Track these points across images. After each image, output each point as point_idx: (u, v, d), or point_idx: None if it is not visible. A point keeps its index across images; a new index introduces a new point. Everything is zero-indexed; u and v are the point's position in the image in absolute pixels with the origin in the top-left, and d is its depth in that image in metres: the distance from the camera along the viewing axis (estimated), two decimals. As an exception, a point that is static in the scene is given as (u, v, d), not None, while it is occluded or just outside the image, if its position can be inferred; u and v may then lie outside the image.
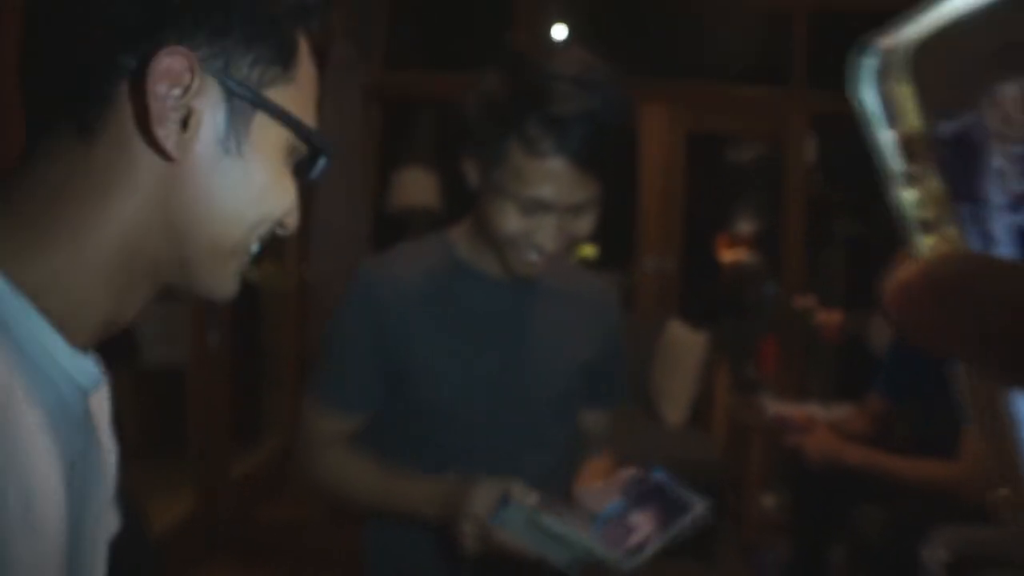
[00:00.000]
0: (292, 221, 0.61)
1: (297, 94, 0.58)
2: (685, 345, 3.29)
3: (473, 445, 1.12)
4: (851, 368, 3.23)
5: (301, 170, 0.61)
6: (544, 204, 0.98)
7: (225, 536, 2.93)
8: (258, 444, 3.63)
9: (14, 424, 0.47)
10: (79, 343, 0.53)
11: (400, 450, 1.14)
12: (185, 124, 0.52)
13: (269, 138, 0.56)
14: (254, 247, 0.59)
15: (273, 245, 0.63)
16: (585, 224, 1.03)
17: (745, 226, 6.86)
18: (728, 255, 7.06)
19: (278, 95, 0.56)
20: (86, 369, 0.54)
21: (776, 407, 3.35)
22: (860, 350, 2.81)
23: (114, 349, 0.57)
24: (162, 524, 2.57)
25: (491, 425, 1.12)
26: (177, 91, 0.51)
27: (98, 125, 0.51)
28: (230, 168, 0.54)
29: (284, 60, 0.57)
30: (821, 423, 2.40)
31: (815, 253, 4.47)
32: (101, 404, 0.59)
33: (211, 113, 0.53)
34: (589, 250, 7.34)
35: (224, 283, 0.58)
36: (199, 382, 2.86)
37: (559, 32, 5.88)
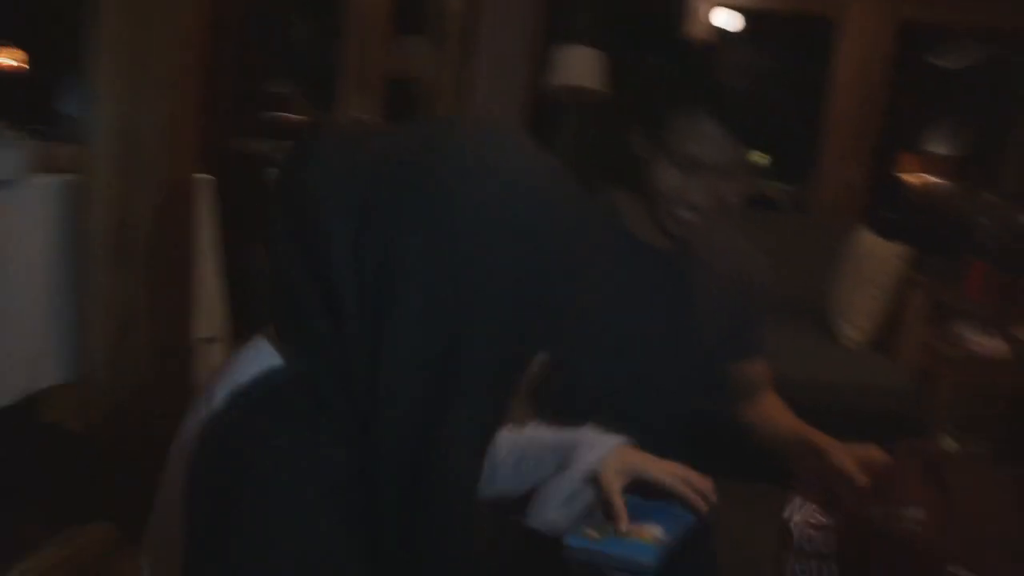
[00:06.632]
0: None
1: None
2: (879, 257, 2.84)
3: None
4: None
5: None
6: (697, 162, 1.08)
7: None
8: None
9: None
10: None
11: None
12: None
13: None
14: None
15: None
16: (736, 189, 1.11)
17: (942, 147, 6.02)
18: (914, 179, 6.27)
19: None
20: None
21: (980, 340, 2.88)
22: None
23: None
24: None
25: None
26: None
27: None
28: None
29: None
30: None
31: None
32: None
33: None
34: (760, 158, 6.73)
35: None
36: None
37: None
